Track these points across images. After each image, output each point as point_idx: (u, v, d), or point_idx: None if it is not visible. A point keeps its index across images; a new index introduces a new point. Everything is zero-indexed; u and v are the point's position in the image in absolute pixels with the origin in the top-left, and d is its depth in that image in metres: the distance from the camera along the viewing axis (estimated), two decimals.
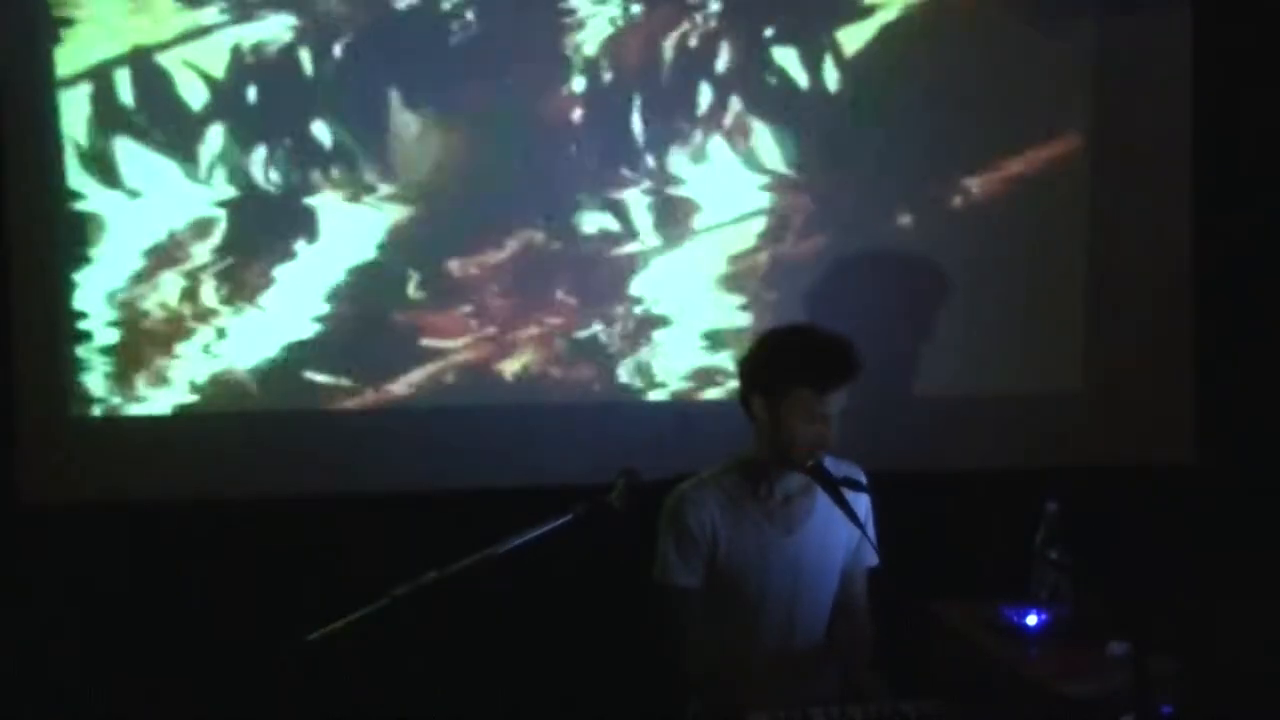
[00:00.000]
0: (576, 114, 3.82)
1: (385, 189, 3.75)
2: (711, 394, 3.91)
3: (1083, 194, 4.07)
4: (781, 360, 2.89)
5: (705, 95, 3.88)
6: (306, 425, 3.75)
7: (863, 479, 2.95)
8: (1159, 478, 4.02)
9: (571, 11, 3.80)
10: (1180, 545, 3.81)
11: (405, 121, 3.75)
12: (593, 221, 3.85)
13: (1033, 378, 4.07)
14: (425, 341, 3.81)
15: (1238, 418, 4.07)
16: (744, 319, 3.92)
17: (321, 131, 3.72)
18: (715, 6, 3.86)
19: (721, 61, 3.88)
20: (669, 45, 3.86)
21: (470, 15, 3.76)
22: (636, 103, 3.84)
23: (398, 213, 3.77)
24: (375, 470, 3.76)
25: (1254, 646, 2.52)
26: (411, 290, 3.79)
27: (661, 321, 3.91)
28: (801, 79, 3.92)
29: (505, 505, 2.76)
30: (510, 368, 3.85)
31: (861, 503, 2.98)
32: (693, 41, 3.87)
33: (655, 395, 3.91)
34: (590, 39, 3.81)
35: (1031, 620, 2.91)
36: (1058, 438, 4.01)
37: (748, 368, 2.96)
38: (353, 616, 2.27)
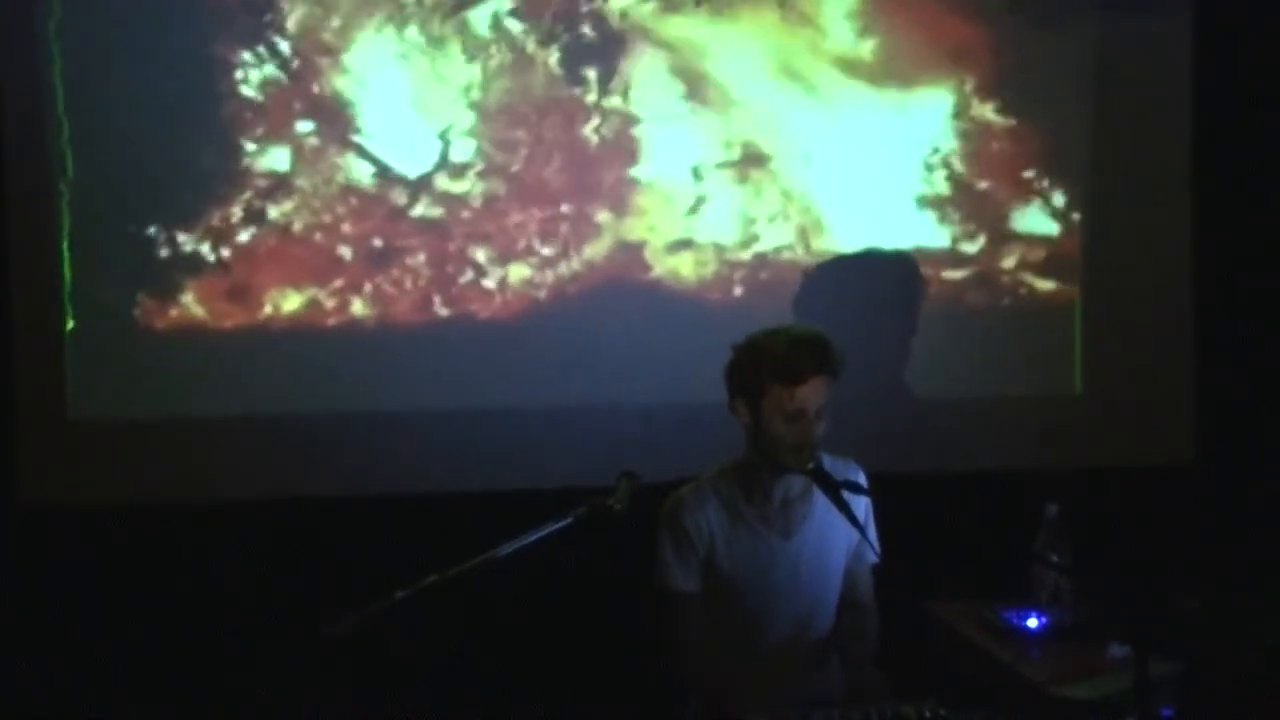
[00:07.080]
0: None
1: None
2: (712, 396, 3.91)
3: (1082, 194, 4.07)
4: (754, 361, 2.87)
5: None
6: (306, 427, 3.75)
7: (862, 479, 2.94)
8: (1159, 478, 4.02)
9: None
10: (1180, 545, 3.82)
11: None
12: None
13: (1033, 379, 4.07)
14: None
15: (1238, 418, 4.07)
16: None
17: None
18: None
19: None
20: None
21: None
22: None
23: None
24: (375, 473, 3.77)
25: (1254, 646, 2.52)
26: None
27: None
28: None
29: (505, 508, 2.76)
30: None
31: (860, 503, 2.93)
32: None
33: (656, 398, 3.91)
34: None
35: (1032, 623, 2.90)
36: (1058, 439, 4.01)
37: (728, 373, 2.95)
38: (353, 618, 2.27)
